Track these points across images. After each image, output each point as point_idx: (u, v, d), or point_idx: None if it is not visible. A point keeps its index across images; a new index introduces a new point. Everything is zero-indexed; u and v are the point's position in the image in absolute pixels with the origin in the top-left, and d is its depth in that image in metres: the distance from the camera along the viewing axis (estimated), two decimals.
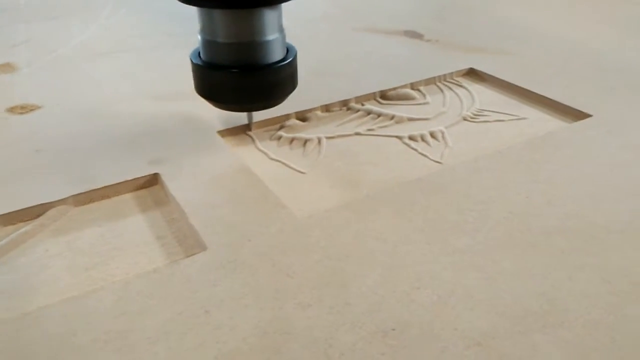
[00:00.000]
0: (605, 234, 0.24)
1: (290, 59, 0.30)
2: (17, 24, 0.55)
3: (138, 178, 0.29)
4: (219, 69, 0.29)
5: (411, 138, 0.34)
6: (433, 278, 0.22)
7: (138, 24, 0.55)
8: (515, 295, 0.21)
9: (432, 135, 0.34)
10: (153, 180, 0.29)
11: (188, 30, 0.52)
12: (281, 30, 0.29)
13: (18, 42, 0.50)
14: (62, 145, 0.32)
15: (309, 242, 0.24)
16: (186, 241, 0.25)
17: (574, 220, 0.25)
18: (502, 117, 0.36)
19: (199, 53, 0.30)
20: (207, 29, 0.29)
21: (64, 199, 0.27)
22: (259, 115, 0.35)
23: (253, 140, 0.34)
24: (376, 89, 0.39)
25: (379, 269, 0.22)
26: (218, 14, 0.28)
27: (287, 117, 0.36)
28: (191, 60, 0.30)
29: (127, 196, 0.29)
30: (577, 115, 0.35)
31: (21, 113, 0.36)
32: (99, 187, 0.28)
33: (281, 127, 0.35)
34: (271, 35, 0.29)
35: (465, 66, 0.43)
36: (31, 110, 0.37)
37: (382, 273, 0.22)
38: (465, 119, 0.36)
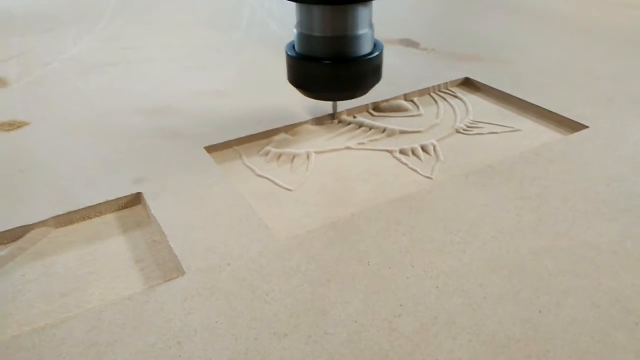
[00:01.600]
0: (596, 255, 0.23)
1: (377, 53, 0.32)
2: (12, 37, 0.55)
3: (120, 198, 0.28)
4: (312, 60, 0.31)
5: (402, 152, 0.33)
6: (416, 304, 0.21)
7: (132, 35, 0.55)
8: (499, 321, 0.20)
9: (424, 149, 0.33)
10: (136, 200, 0.29)
11: (182, 41, 0.52)
12: (371, 26, 0.31)
13: (11, 56, 0.50)
14: (46, 164, 0.32)
15: (290, 266, 0.23)
16: (165, 265, 0.24)
17: (565, 239, 0.24)
18: (496, 129, 0.35)
19: (294, 46, 0.32)
20: (303, 23, 0.31)
21: (45, 220, 0.27)
22: (248, 130, 0.34)
23: (240, 155, 0.33)
24: (369, 100, 0.38)
25: (361, 294, 0.21)
26: (316, 10, 0.30)
27: (276, 131, 0.35)
28: (286, 53, 0.32)
29: (110, 217, 0.28)
30: (573, 126, 0.34)
31: (8, 130, 0.36)
32: (80, 208, 0.28)
33: (270, 142, 0.34)
34: (362, 31, 0.31)
35: (461, 76, 0.42)
36: (18, 127, 0.36)
37: (364, 299, 0.21)
38: (458, 132, 0.35)
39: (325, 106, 0.37)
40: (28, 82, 0.44)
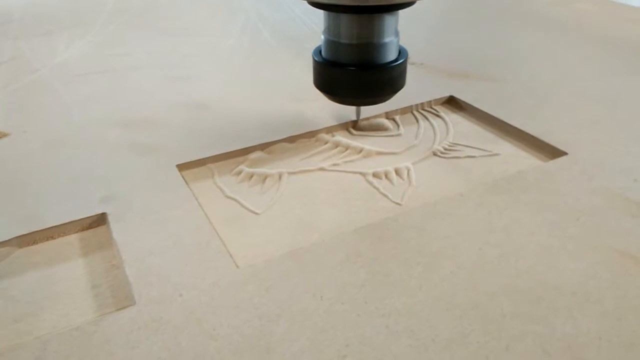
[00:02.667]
0: (554, 296, 0.22)
1: (402, 60, 0.33)
2: (5, 41, 0.55)
3: (85, 218, 0.28)
4: (338, 66, 0.32)
5: (375, 175, 0.32)
6: (362, 344, 0.20)
7: (123, 41, 0.55)
8: None
9: (398, 172, 0.33)
10: (100, 220, 0.28)
11: (172, 49, 0.52)
12: (396, 34, 0.33)
13: (1, 61, 0.50)
14: (17, 180, 0.32)
15: (242, 298, 0.23)
16: (120, 292, 0.24)
17: (524, 278, 0.23)
18: (474, 152, 0.34)
19: (320, 51, 0.34)
20: (331, 30, 0.32)
21: (8, 240, 0.27)
22: (223, 147, 0.34)
23: (213, 174, 0.33)
24: (350, 117, 0.38)
25: (309, 332, 0.21)
26: (343, 18, 0.31)
27: (252, 148, 0.35)
28: (313, 58, 0.34)
29: (73, 237, 0.28)
30: (552, 152, 0.33)
31: None
32: (44, 227, 0.28)
33: (245, 160, 0.34)
34: (387, 38, 0.32)
35: (446, 93, 0.41)
36: None
37: (310, 337, 0.21)
38: (435, 154, 0.34)
39: (305, 122, 0.37)
40: (14, 90, 0.44)
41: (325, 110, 0.39)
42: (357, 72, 0.32)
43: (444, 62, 0.47)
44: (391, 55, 0.33)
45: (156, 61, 0.49)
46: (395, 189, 0.31)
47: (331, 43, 0.33)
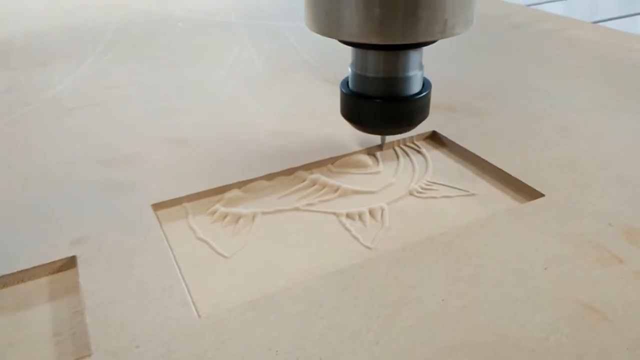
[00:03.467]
0: (512, 352, 0.22)
1: (425, 93, 0.35)
2: (4, 71, 0.57)
3: (55, 261, 0.28)
4: (364, 98, 0.34)
5: (348, 216, 0.32)
6: None
7: (116, 72, 0.55)
8: None
9: (372, 213, 0.33)
10: (71, 264, 0.29)
11: (164, 80, 0.53)
12: (420, 67, 0.34)
13: None
14: None
15: (197, 352, 0.23)
16: (80, 341, 0.24)
17: (485, 332, 0.23)
18: (450, 192, 0.34)
19: (347, 82, 0.36)
20: (357, 64, 0.34)
21: None
22: (200, 186, 0.34)
23: (187, 214, 0.33)
24: (331, 154, 0.38)
25: None
26: (370, 54, 0.33)
27: (228, 187, 0.35)
28: (340, 89, 0.36)
29: (43, 280, 0.28)
30: (529, 193, 0.33)
31: None
32: (14, 271, 0.28)
33: (221, 199, 0.34)
34: (412, 72, 0.33)
35: (430, 128, 0.41)
36: None
37: None
38: (411, 194, 0.34)
39: (285, 158, 0.37)
40: (5, 123, 0.45)
41: (306, 145, 0.39)
42: (382, 104, 0.34)
43: (432, 94, 0.47)
44: (415, 87, 0.34)
45: (146, 93, 0.50)
46: (367, 231, 0.31)
47: (358, 76, 0.34)
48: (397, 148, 0.40)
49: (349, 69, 0.35)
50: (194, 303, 0.26)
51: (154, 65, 0.57)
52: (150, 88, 0.51)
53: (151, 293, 0.26)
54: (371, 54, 0.33)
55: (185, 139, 0.41)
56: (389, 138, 0.40)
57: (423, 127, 0.41)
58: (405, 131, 0.37)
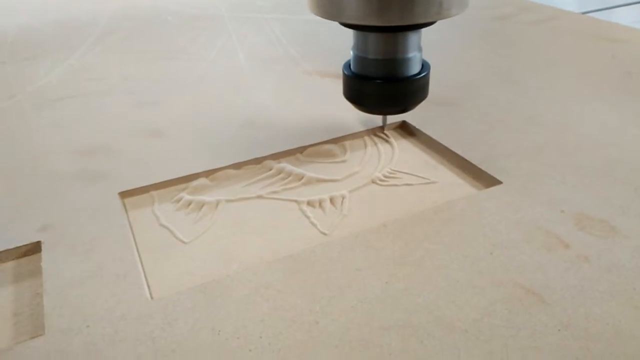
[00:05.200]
0: (445, 333, 0.23)
1: (424, 74, 0.36)
2: None
3: (21, 246, 0.30)
4: (365, 79, 0.36)
5: (309, 204, 0.33)
6: None
7: (101, 65, 0.56)
8: None
9: (332, 200, 0.33)
10: (36, 249, 0.30)
11: (146, 73, 0.54)
12: (419, 49, 0.35)
13: None
14: None
15: (143, 331, 0.24)
16: (37, 321, 0.25)
17: (422, 314, 0.24)
18: (412, 179, 0.35)
19: (350, 65, 0.37)
20: (359, 46, 0.35)
21: None
22: (166, 175, 0.35)
23: (153, 202, 0.34)
24: (302, 142, 0.39)
25: None
26: (370, 36, 0.34)
27: (195, 176, 0.36)
28: (343, 72, 0.37)
29: (9, 264, 0.29)
30: (488, 180, 0.34)
31: None
32: None
33: (187, 187, 0.35)
34: (411, 54, 0.35)
35: (400, 118, 0.42)
36: None
37: None
38: (374, 182, 0.35)
39: (255, 148, 0.38)
40: None
41: (278, 135, 0.40)
42: (383, 84, 0.35)
43: None
44: (415, 68, 0.36)
45: (127, 86, 0.51)
46: (325, 218, 0.32)
47: (359, 58, 0.36)
48: (366, 137, 0.40)
49: (351, 52, 0.36)
50: (148, 287, 0.27)
51: (139, 58, 0.58)
52: (132, 81, 0.52)
53: (107, 277, 0.27)
54: (371, 36, 0.34)
55: (159, 130, 0.42)
56: (358, 127, 0.40)
57: (393, 117, 0.42)
58: (406, 111, 0.38)
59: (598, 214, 0.30)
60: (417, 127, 0.40)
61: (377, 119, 0.41)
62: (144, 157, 0.38)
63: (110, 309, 0.25)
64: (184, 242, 0.30)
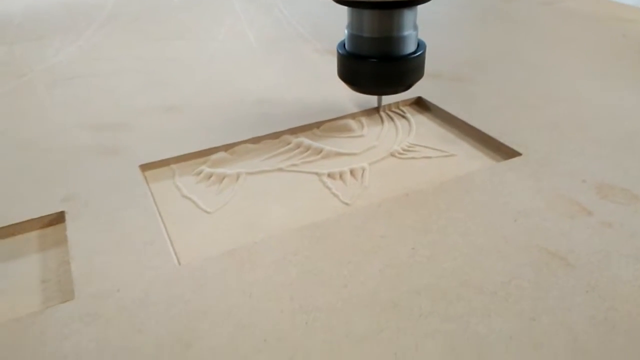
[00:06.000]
0: (473, 296, 0.23)
1: (420, 53, 0.35)
2: (1, 46, 0.57)
3: (44, 216, 0.30)
4: (360, 58, 0.35)
5: (330, 176, 0.33)
6: (279, 340, 0.21)
7: (111, 45, 0.56)
8: None
9: (352, 173, 0.33)
10: (60, 218, 0.30)
11: (156, 53, 0.53)
12: (415, 27, 0.35)
13: None
14: None
15: (174, 294, 0.24)
16: (65, 287, 0.26)
17: (449, 278, 0.24)
18: (431, 153, 0.35)
19: (344, 44, 0.36)
20: (353, 25, 0.35)
21: None
22: (188, 148, 0.35)
23: (174, 174, 0.34)
24: (317, 119, 0.39)
25: (231, 327, 0.22)
26: (365, 14, 0.33)
27: (215, 149, 0.36)
28: (337, 51, 0.36)
29: (33, 234, 0.29)
30: (508, 153, 0.34)
31: None
32: (5, 225, 0.29)
33: (207, 161, 0.35)
34: (406, 32, 0.34)
35: (415, 94, 0.42)
36: None
37: (232, 332, 0.22)
38: (393, 155, 0.35)
39: (271, 123, 0.38)
40: (0, 94, 0.46)
41: (292, 111, 0.40)
42: (378, 64, 0.34)
43: None
44: (410, 47, 0.35)
45: (138, 65, 0.51)
46: (347, 189, 0.32)
47: (354, 37, 0.35)
48: (382, 113, 0.40)
49: (345, 31, 0.36)
50: (175, 254, 0.27)
51: (148, 39, 0.58)
52: (142, 61, 0.52)
53: (134, 244, 0.27)
54: (366, 14, 0.34)
55: (174, 106, 0.42)
56: (373, 103, 0.40)
57: (409, 93, 0.42)
58: (401, 91, 0.37)
59: (619, 183, 0.30)
60: (432, 102, 0.40)
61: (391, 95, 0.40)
62: (161, 132, 0.38)
63: (139, 275, 0.25)
64: (207, 212, 0.30)
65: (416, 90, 0.42)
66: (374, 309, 0.23)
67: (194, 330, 0.22)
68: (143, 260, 0.26)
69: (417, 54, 0.35)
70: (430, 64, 0.46)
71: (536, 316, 0.22)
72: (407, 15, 0.34)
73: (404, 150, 0.35)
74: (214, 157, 0.35)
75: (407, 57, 0.35)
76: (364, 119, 0.40)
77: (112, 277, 0.25)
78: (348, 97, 0.41)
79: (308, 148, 0.36)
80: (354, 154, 0.35)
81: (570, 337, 0.21)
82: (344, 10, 0.36)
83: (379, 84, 0.36)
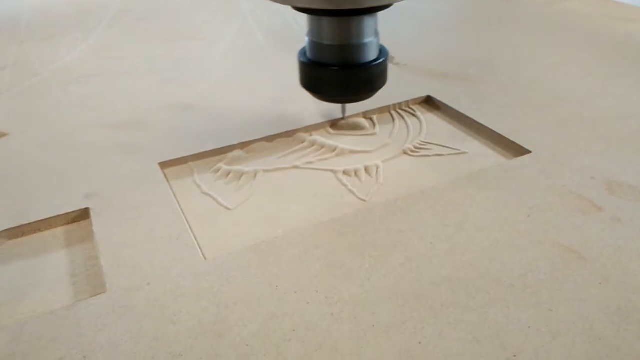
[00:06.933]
0: (493, 287, 0.24)
1: (382, 60, 0.34)
2: (11, 45, 0.58)
3: (69, 213, 0.30)
4: (321, 66, 0.34)
5: (345, 173, 0.34)
6: (307, 329, 0.22)
7: (122, 45, 0.57)
8: (379, 350, 0.21)
9: (367, 170, 0.34)
10: (84, 215, 0.31)
11: (167, 52, 0.54)
12: (376, 34, 0.34)
13: (6, 64, 0.53)
14: (10, 177, 0.34)
15: (203, 287, 0.25)
16: (95, 281, 0.26)
17: (468, 270, 0.25)
18: (443, 150, 0.36)
19: (305, 52, 0.35)
20: (313, 32, 0.34)
21: None
22: (205, 146, 0.36)
23: (192, 172, 0.35)
24: (328, 117, 0.40)
25: (260, 318, 0.23)
26: (324, 21, 0.33)
27: (231, 148, 0.37)
28: (298, 59, 0.35)
29: (59, 230, 0.30)
30: (518, 150, 0.35)
31: None
32: (32, 221, 0.30)
33: (224, 159, 0.36)
34: (367, 39, 0.33)
35: (425, 93, 0.43)
36: None
37: (261, 322, 0.23)
38: (405, 153, 0.36)
39: (285, 122, 0.39)
40: (16, 92, 0.47)
41: (306, 110, 0.41)
42: (339, 72, 0.34)
43: (427, 62, 0.48)
44: (372, 54, 0.34)
45: (150, 65, 0.51)
46: (362, 186, 0.33)
47: (315, 44, 0.34)
48: (393, 112, 0.41)
49: (306, 38, 0.35)
50: (200, 248, 0.28)
51: (157, 38, 0.59)
52: (154, 60, 0.53)
53: (160, 239, 0.28)
54: (326, 21, 0.33)
55: (188, 105, 0.43)
56: (383, 101, 0.41)
57: (418, 92, 0.43)
58: (364, 99, 0.36)
59: (627, 180, 0.31)
60: (442, 101, 0.41)
61: (403, 93, 0.41)
62: (177, 130, 0.39)
63: (167, 268, 0.26)
64: (228, 209, 0.31)
65: (424, 89, 0.43)
66: (397, 301, 0.23)
67: (225, 320, 0.23)
68: (170, 254, 0.27)
69: (379, 61, 0.34)
70: (437, 64, 0.48)
71: (553, 307, 0.23)
72: (367, 22, 0.33)
73: (416, 148, 0.36)
74: (231, 155, 0.36)
75: (368, 65, 0.34)
76: (375, 117, 0.41)
77: (141, 270, 0.26)
78: None
79: (322, 146, 0.37)
80: (368, 152, 0.36)
81: (586, 326, 0.22)
82: None
83: (341, 92, 0.35)
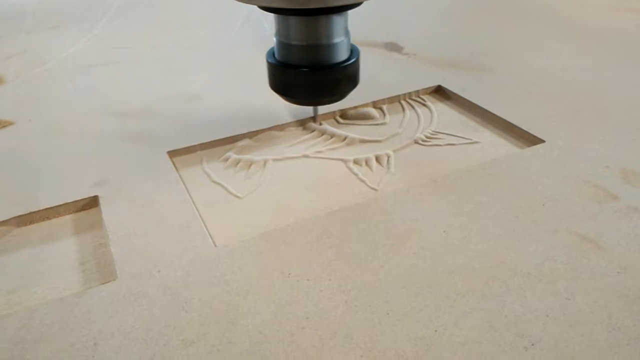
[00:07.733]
0: (509, 276, 0.24)
1: (353, 60, 0.33)
2: (18, 34, 0.58)
3: (78, 200, 0.30)
4: (290, 67, 0.32)
5: (356, 162, 0.34)
6: (321, 317, 0.22)
7: (128, 34, 0.57)
8: (394, 338, 0.21)
9: (378, 159, 0.34)
10: (93, 203, 0.30)
11: (173, 42, 0.54)
12: (346, 34, 0.33)
13: (14, 53, 0.53)
14: (19, 165, 0.34)
15: (215, 274, 0.24)
16: (105, 268, 0.26)
17: (483, 259, 0.25)
18: (454, 140, 0.35)
19: (274, 53, 0.34)
20: (281, 32, 0.32)
21: (7, 220, 0.29)
22: (214, 135, 0.36)
23: (201, 160, 0.34)
24: (337, 107, 0.39)
25: (273, 305, 0.23)
26: (292, 21, 0.31)
27: (240, 137, 0.36)
28: (266, 60, 0.34)
29: (67, 218, 0.30)
30: (531, 140, 0.34)
31: None
32: (40, 209, 0.30)
33: (233, 147, 0.36)
34: (337, 39, 0.32)
35: (435, 83, 0.42)
36: (3, 126, 0.39)
37: (274, 310, 0.22)
38: (416, 142, 0.36)
39: (294, 111, 0.38)
40: (23, 81, 0.46)
41: None
42: (309, 73, 0.32)
43: (436, 52, 0.48)
44: (342, 55, 0.33)
45: (157, 54, 0.51)
46: (373, 175, 0.32)
47: (282, 45, 0.33)
48: (403, 102, 0.41)
49: (274, 39, 0.33)
50: (211, 236, 0.27)
51: (163, 28, 0.58)
52: (160, 49, 0.52)
53: (170, 227, 0.28)
54: (293, 21, 0.31)
55: (197, 94, 0.42)
56: (394, 90, 0.41)
57: (428, 82, 0.42)
58: (336, 101, 0.35)
59: None
60: (453, 91, 0.41)
61: (404, 85, 0.41)
62: (186, 118, 0.38)
63: (178, 255, 0.25)
64: (238, 197, 0.31)
65: (436, 79, 0.43)
66: (412, 289, 0.23)
67: (237, 308, 0.23)
68: (181, 242, 0.26)
69: (350, 62, 0.33)
70: (447, 54, 0.47)
71: (570, 296, 0.22)
72: (336, 21, 0.31)
73: (427, 137, 0.36)
74: (240, 143, 0.36)
75: (339, 66, 0.32)
76: (385, 107, 0.40)
77: (152, 258, 0.25)
78: (372, 83, 0.42)
79: (332, 135, 0.37)
80: (378, 141, 0.36)
81: (605, 315, 0.22)
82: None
83: (311, 94, 0.33)
